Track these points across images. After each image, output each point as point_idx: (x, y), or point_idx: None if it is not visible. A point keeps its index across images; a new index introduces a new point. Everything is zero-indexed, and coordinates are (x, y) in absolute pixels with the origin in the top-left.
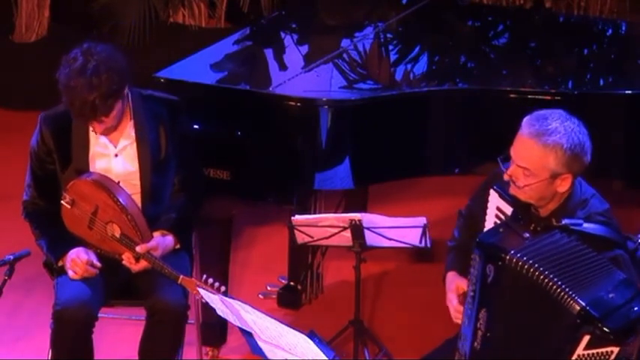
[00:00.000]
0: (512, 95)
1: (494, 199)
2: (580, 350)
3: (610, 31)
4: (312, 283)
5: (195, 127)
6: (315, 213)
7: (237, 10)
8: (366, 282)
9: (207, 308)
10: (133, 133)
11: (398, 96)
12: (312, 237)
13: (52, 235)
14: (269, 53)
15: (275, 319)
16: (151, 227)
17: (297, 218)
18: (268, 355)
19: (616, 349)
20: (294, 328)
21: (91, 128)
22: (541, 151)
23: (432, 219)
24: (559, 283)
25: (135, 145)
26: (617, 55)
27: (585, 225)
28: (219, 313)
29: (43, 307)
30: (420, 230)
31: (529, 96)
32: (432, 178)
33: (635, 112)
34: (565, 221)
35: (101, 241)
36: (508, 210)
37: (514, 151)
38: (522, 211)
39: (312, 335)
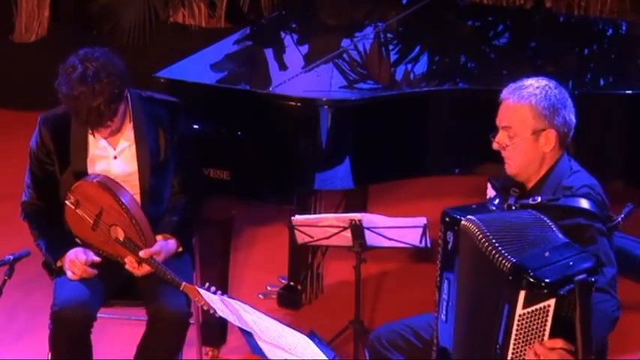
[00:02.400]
0: None
1: (489, 192)
2: (520, 309)
3: (610, 30)
4: (312, 283)
5: (196, 127)
6: (315, 213)
7: (237, 10)
8: (366, 282)
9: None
10: (132, 135)
11: (398, 96)
12: (312, 237)
13: (51, 235)
14: (269, 53)
15: (275, 319)
16: (152, 229)
17: (297, 218)
18: (268, 355)
19: (552, 302)
20: (294, 328)
21: (89, 131)
22: (517, 105)
23: (432, 219)
24: (496, 245)
25: (134, 146)
26: (618, 55)
27: (564, 199)
28: (220, 313)
29: (42, 307)
30: (420, 230)
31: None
32: (431, 178)
33: (635, 112)
34: (541, 198)
35: (104, 244)
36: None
37: (497, 117)
38: (503, 193)
39: (312, 335)
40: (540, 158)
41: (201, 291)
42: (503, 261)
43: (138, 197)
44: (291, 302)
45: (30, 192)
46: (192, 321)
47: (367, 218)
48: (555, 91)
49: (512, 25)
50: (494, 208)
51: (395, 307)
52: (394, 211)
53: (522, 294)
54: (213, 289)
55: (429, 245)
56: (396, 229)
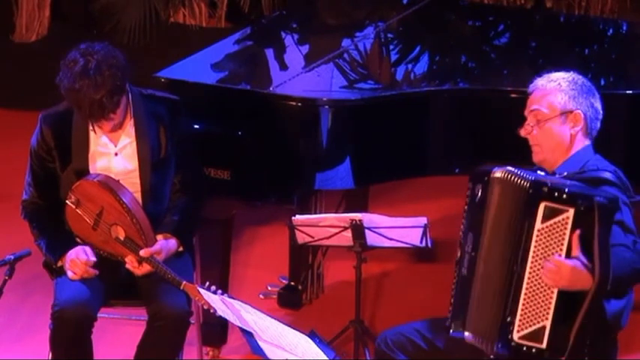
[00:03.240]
0: (512, 95)
1: None
2: (538, 223)
3: (611, 30)
4: (313, 283)
5: (196, 126)
6: (315, 213)
7: (238, 10)
8: (367, 282)
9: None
10: (133, 132)
11: (398, 96)
12: (312, 237)
13: (51, 235)
14: (270, 53)
15: (275, 319)
16: (153, 226)
17: (298, 218)
18: (269, 355)
19: (571, 214)
20: (294, 328)
21: (90, 127)
22: (546, 88)
23: (433, 219)
24: (519, 173)
25: (135, 143)
26: (618, 55)
27: (589, 172)
28: (220, 313)
29: (42, 307)
30: (420, 230)
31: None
32: (432, 178)
33: (636, 112)
34: (566, 173)
35: (104, 243)
36: None
37: (525, 108)
38: None
39: (312, 335)
40: (567, 142)
41: (202, 291)
42: (524, 182)
43: (139, 194)
44: (292, 302)
45: (31, 190)
46: (192, 321)
47: (368, 218)
48: (583, 80)
49: (512, 25)
50: None
51: (395, 307)
52: (395, 211)
53: (542, 206)
54: (213, 288)
55: (429, 245)
56: (397, 229)
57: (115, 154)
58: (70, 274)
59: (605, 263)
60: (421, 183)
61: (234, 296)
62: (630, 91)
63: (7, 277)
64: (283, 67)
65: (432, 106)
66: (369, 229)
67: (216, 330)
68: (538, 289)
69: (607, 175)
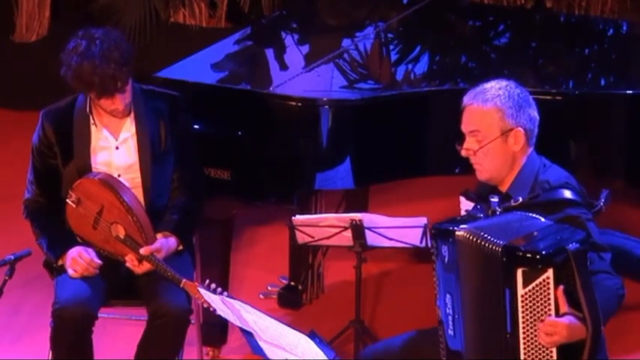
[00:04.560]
0: None
1: (463, 205)
2: (520, 290)
3: (611, 30)
4: (313, 283)
5: (196, 126)
6: (315, 213)
7: (238, 10)
8: (367, 282)
9: (208, 308)
10: (133, 126)
11: (398, 96)
12: (312, 237)
13: (53, 234)
14: (270, 53)
15: (276, 319)
16: (153, 222)
17: (298, 218)
18: (269, 355)
19: (550, 273)
20: (294, 328)
21: (92, 122)
22: (483, 108)
23: (433, 219)
24: (486, 237)
25: (135, 137)
26: (618, 55)
27: (545, 195)
28: (220, 313)
29: (43, 307)
30: (420, 230)
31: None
32: (432, 178)
33: (636, 112)
34: (522, 198)
35: (105, 242)
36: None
37: (462, 125)
38: (482, 201)
39: (312, 335)
40: (511, 159)
41: (202, 291)
42: (495, 247)
43: (139, 189)
44: (292, 302)
45: (33, 188)
46: (192, 320)
47: (368, 218)
48: (517, 91)
49: (512, 25)
50: (481, 215)
51: (395, 307)
52: (395, 211)
53: (520, 272)
54: (213, 286)
55: (429, 245)
56: (397, 229)
57: (115, 147)
58: (70, 271)
59: (594, 309)
60: (421, 183)
61: (234, 296)
62: (630, 91)
63: (7, 277)
64: (283, 67)
65: (432, 106)
66: (369, 229)
67: (216, 330)
68: (536, 351)
69: (565, 194)
